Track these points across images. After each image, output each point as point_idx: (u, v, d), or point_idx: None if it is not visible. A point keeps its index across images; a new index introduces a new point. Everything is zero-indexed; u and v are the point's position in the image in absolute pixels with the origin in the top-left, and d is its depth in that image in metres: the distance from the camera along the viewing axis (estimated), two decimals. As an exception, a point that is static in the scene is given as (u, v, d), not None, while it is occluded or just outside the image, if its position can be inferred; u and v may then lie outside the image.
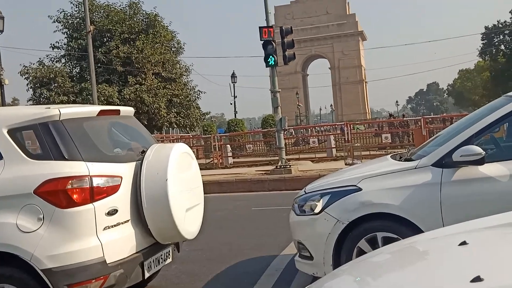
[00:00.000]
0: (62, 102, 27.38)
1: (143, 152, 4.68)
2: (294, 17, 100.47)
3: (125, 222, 4.33)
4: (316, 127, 42.18)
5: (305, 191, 5.10)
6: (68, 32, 31.06)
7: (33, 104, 28.28)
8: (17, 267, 3.94)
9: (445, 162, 4.41)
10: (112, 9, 31.16)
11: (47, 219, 3.93)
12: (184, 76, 32.98)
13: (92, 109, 4.69)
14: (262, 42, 15.58)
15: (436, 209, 4.33)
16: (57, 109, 4.24)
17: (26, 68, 29.30)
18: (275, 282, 5.59)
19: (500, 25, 58.54)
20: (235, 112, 46.81)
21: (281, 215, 8.85)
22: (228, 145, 23.79)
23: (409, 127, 25.55)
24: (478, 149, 4.28)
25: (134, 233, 4.40)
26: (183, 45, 33.40)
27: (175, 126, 33.02)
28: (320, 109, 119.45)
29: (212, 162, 22.23)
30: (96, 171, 4.11)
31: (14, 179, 4.00)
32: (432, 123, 35.27)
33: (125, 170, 4.42)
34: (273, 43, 15.53)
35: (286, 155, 17.39)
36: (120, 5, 31.70)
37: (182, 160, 4.74)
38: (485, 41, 61.38)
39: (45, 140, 4.10)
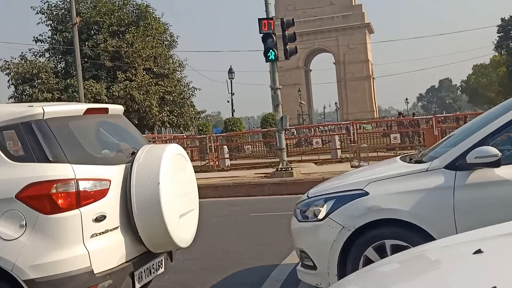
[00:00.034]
0: (46, 100, 27.36)
1: (134, 153, 4.68)
2: (296, 8, 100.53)
3: (114, 229, 4.32)
4: (320, 127, 42.21)
5: (307, 196, 5.10)
6: (52, 24, 31.04)
7: (14, 102, 28.28)
8: (-2, 277, 3.93)
9: (459, 164, 4.42)
10: (100, -1, 31.15)
11: (30, 226, 3.92)
12: (177, 72, 32.96)
13: (79, 107, 4.68)
14: (261, 35, 15.58)
15: (449, 215, 4.33)
16: (40, 108, 4.24)
17: (7, 63, 29.27)
18: (276, 293, 5.59)
19: (517, 17, 58.61)
20: (233, 111, 46.85)
21: (282, 222, 8.84)
22: (225, 146, 23.79)
23: (419, 127, 25.57)
24: (494, 150, 4.28)
25: (124, 241, 4.39)
26: (177, 38, 33.40)
27: (167, 125, 32.99)
28: (324, 107, 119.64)
29: (208, 164, 22.23)
30: (83, 174, 4.11)
31: (-6, 183, 3.99)
32: (444, 122, 35.33)
33: (114, 173, 4.42)
34: (274, 36, 15.54)
35: (287, 157, 17.39)
36: (108, -5, 31.67)
37: (175, 162, 4.74)
38: (502, 34, 61.44)
39: (27, 141, 4.10)
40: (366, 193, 4.62)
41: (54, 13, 30.85)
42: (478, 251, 2.11)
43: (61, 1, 30.78)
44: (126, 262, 4.38)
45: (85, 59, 28.75)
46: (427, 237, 4.23)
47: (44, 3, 30.68)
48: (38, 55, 31.24)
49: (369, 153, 18.28)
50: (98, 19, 30.06)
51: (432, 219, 4.40)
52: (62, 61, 31.79)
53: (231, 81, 47.04)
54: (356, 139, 21.41)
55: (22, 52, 31.19)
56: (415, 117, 31.10)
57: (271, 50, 15.53)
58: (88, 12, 30.35)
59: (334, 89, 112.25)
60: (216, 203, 13.45)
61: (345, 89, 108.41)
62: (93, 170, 4.23)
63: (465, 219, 4.29)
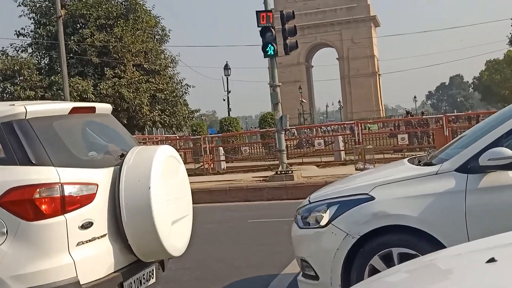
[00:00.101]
0: (28, 98, 27.32)
1: (123, 155, 4.68)
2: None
3: (101, 236, 4.32)
4: (322, 127, 42.26)
5: (309, 201, 5.10)
6: (35, 17, 30.98)
7: (-5, 101, 28.24)
8: (-23, 289, 3.93)
9: (471, 167, 4.42)
10: (86, -10, 31.11)
11: (12, 233, 3.92)
12: (169, 68, 32.92)
13: (64, 106, 4.68)
14: (259, 28, 15.59)
15: (461, 221, 4.34)
16: (22, 106, 4.24)
17: (-14, 59, 29.22)
18: (275, 305, 5.59)
19: (533, 9, 58.61)
20: (229, 110, 46.84)
21: (281, 228, 8.84)
22: (221, 148, 23.79)
23: (429, 127, 25.62)
24: (508, 152, 4.29)
25: (112, 249, 4.39)
26: (169, 32, 33.36)
27: (159, 125, 32.94)
28: (327, 106, 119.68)
29: (202, 167, 22.22)
30: (68, 178, 4.10)
31: (-27, 187, 3.99)
32: (455, 122, 35.36)
33: (102, 177, 4.41)
34: (273, 29, 15.54)
35: (287, 159, 17.39)
36: (95, -14, 31.63)
37: (167, 165, 4.74)
38: (516, 27, 61.47)
39: (8, 142, 4.09)
40: (372, 198, 4.62)
41: (37, 5, 30.79)
42: (492, 260, 2.11)
43: (45, -8, 30.74)
44: (114, 272, 4.37)
45: (71, 55, 28.70)
46: (437, 245, 4.23)
47: (26, -5, 30.63)
48: (20, 50, 31.17)
49: (375, 155, 18.29)
50: (85, 12, 30.02)
51: (442, 226, 4.41)
52: (46, 56, 31.72)
53: (227, 78, 47.07)
54: (361, 140, 21.42)
55: (2, 47, 31.13)
56: (424, 117, 31.14)
57: (270, 45, 15.54)
58: (74, 4, 30.31)
59: (337, 87, 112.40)
60: (211, 208, 13.45)
61: (349, 87, 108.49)
62: (79, 174, 4.23)
63: (478, 225, 4.29)
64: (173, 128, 33.34)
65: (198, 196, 13.08)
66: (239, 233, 10.06)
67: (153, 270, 4.95)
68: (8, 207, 3.93)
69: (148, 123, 31.20)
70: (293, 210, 5.48)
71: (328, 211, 4.77)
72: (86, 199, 4.21)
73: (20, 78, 29.13)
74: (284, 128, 16.30)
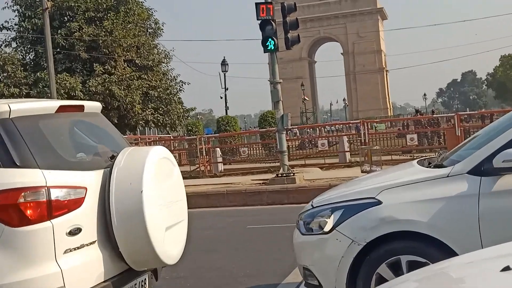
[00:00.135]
0: (13, 96, 27.32)
1: (113, 157, 4.68)
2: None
3: (90, 243, 4.32)
4: (326, 126, 42.28)
5: (312, 205, 5.10)
6: (19, 9, 30.99)
7: (-23, 99, 28.18)
8: (-42, 299, 3.92)
9: (484, 169, 4.43)
10: (74, -19, 31.11)
11: (-6, 240, 3.92)
12: (163, 64, 32.95)
13: (50, 105, 4.68)
14: (259, 21, 15.59)
15: (473, 227, 4.34)
16: (6, 105, 4.23)
17: (-32, 54, 29.22)
18: (276, 317, 5.60)
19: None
20: (226, 108, 46.85)
21: (283, 235, 8.84)
22: (218, 149, 23.79)
23: (439, 126, 25.63)
24: (524, 153, 4.29)
25: (102, 257, 4.39)
26: (162, 26, 33.40)
27: (152, 125, 32.96)
28: (331, 104, 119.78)
29: (198, 169, 22.23)
30: (55, 181, 4.10)
31: (-46, 191, 3.99)
32: (468, 121, 35.33)
33: (91, 180, 4.41)
34: (273, 23, 15.55)
35: (289, 161, 17.39)
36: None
37: (160, 167, 4.74)
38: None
39: (-9, 143, 4.09)
40: (379, 202, 4.63)
41: (22, -4, 30.81)
42: (507, 268, 2.11)
43: (30, -17, 30.75)
44: (104, 281, 4.37)
45: (58, 50, 28.70)
46: (448, 252, 4.24)
47: (10, -15, 30.65)
48: (3, 44, 31.22)
49: (382, 156, 18.29)
50: (72, 4, 30.02)
51: (453, 232, 4.41)
52: (31, 51, 31.73)
53: (224, 74, 47.09)
54: (367, 141, 21.43)
55: (-16, 42, 31.16)
56: (434, 115, 31.14)
57: (270, 39, 15.54)
58: (61, -4, 30.30)
59: (342, 84, 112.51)
60: (208, 213, 13.45)
61: (355, 83, 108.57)
62: (67, 177, 4.23)
63: (492, 231, 4.30)
64: (167, 128, 33.35)
65: (193, 200, 13.06)
66: (237, 240, 10.06)
67: (145, 279, 4.94)
68: (-9, 212, 3.93)
69: (140, 122, 31.20)
70: (294, 215, 5.48)
71: (332, 216, 4.77)
72: (74, 204, 4.21)
73: (4, 74, 29.13)
74: (285, 127, 16.29)
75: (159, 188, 4.65)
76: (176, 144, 30.37)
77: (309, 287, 4.98)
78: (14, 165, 4.04)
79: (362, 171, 16.28)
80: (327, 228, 4.76)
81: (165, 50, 33.30)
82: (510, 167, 4.30)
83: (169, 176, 4.98)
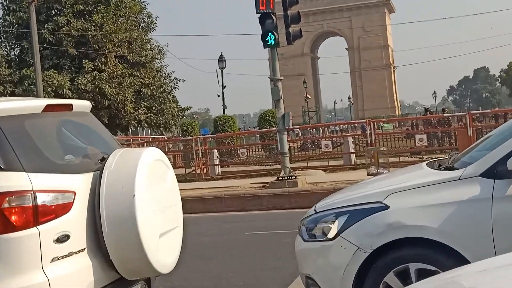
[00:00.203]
0: (-4, 94, 27.34)
1: (103, 159, 4.68)
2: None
3: (79, 251, 4.32)
4: (330, 126, 42.30)
5: (315, 210, 5.10)
6: (4, 2, 31.03)
7: (-42, 97, 28.18)
8: None
9: (498, 171, 4.43)
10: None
11: (-23, 248, 3.92)
12: (156, 60, 32.97)
13: (36, 104, 4.68)
14: (258, 15, 15.60)
15: (486, 233, 4.34)
16: (-10, 104, 4.24)
17: (-51, 50, 29.24)
18: (277, 329, 5.60)
19: None
20: (224, 107, 46.84)
21: (284, 241, 8.84)
22: (215, 150, 23.79)
23: (450, 126, 25.64)
24: (540, 154, 4.30)
25: (92, 265, 4.38)
26: (155, 20, 33.42)
27: (145, 125, 32.99)
28: (335, 103, 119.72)
29: (194, 172, 22.22)
30: (42, 185, 4.10)
31: None
32: (480, 121, 35.34)
33: (80, 184, 4.41)
34: (273, 16, 15.56)
35: (290, 163, 17.38)
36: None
37: (154, 170, 4.74)
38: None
39: (-26, 145, 4.09)
40: (386, 207, 4.63)
41: (7, -11, 30.83)
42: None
43: (14, -25, 30.77)
44: (94, 291, 4.37)
45: (44, 45, 28.71)
46: (460, 260, 4.24)
47: (-7, -23, 30.69)
48: (-14, 40, 31.23)
49: (390, 158, 18.30)
50: (60, -3, 30.05)
51: (465, 238, 4.41)
52: (16, 47, 31.75)
53: (222, 71, 47.07)
54: (373, 141, 21.44)
55: (-33, 37, 31.17)
56: (445, 115, 31.15)
57: (270, 34, 15.54)
58: (48, -12, 30.33)
59: (347, 81, 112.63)
60: (204, 219, 13.45)
61: (360, 81, 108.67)
62: (54, 180, 4.23)
63: (506, 237, 4.30)
64: (161, 128, 33.37)
65: (189, 205, 13.06)
66: (235, 247, 10.06)
67: (138, 289, 4.94)
68: (-27, 218, 3.93)
69: (133, 122, 31.22)
70: (296, 220, 5.48)
71: (336, 222, 4.77)
72: (62, 209, 4.20)
73: (-13, 71, 29.13)
74: (286, 127, 16.30)
75: (153, 192, 4.64)
76: (171, 146, 30.40)
77: (312, 297, 4.97)
78: (-2, 168, 4.04)
79: (368, 174, 16.29)
80: (331, 234, 4.76)
81: (158, 46, 33.34)
82: (526, 169, 4.31)
83: (163, 180, 4.98)
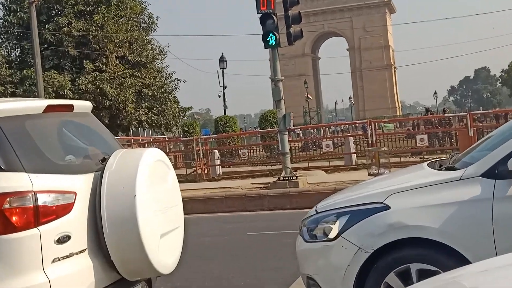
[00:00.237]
0: (-3, 95, 27.35)
1: (104, 160, 4.67)
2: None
3: (80, 252, 4.32)
4: (331, 127, 42.31)
5: (316, 211, 5.10)
6: (4, 3, 31.04)
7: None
8: None
9: (499, 172, 4.42)
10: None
11: (-22, 248, 3.92)
12: (157, 61, 32.98)
13: (37, 104, 4.68)
14: (259, 15, 15.60)
15: (487, 233, 4.34)
16: (-10, 104, 4.24)
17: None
18: (278, 329, 5.60)
19: None
20: (225, 107, 46.86)
21: (285, 242, 8.84)
22: (216, 151, 23.78)
23: (451, 126, 25.63)
24: (541, 155, 4.30)
25: (93, 266, 4.38)
26: (156, 20, 33.43)
27: (146, 125, 32.99)
28: (336, 103, 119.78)
29: (195, 172, 22.22)
30: (42, 186, 4.10)
31: None
32: (481, 121, 35.31)
33: (81, 184, 4.41)
34: (274, 16, 15.55)
35: (291, 164, 17.37)
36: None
37: (155, 171, 4.74)
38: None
39: (-26, 145, 4.09)
40: (387, 207, 4.63)
41: (7, -11, 30.84)
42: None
43: (15, -25, 30.78)
44: (95, 292, 4.37)
45: (45, 46, 28.72)
46: (461, 260, 4.24)
47: (-6, -23, 30.71)
48: (-13, 40, 31.24)
49: (391, 158, 18.29)
50: (61, -3, 30.05)
51: (466, 238, 4.41)
52: (17, 47, 31.77)
53: (222, 71, 47.08)
54: (374, 142, 21.43)
55: (-33, 37, 31.19)
56: (446, 115, 31.14)
57: (271, 34, 15.54)
58: (49, -11, 30.33)
59: (347, 81, 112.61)
60: (205, 219, 13.44)
61: (361, 81, 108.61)
62: (55, 181, 4.23)
63: (506, 237, 4.29)
64: (162, 129, 33.37)
65: (190, 205, 13.05)
66: (236, 247, 10.06)
67: (139, 289, 4.94)
68: (-26, 219, 3.93)
69: (134, 123, 31.23)
70: (297, 221, 5.48)
71: (337, 222, 4.77)
72: (62, 210, 4.20)
73: (-12, 72, 29.14)
74: (287, 128, 16.30)
75: (154, 193, 4.64)
76: (172, 146, 30.38)
77: (313, 298, 4.97)
78: (-1, 169, 4.04)
79: (369, 174, 16.28)
80: (332, 234, 4.76)
81: (159, 46, 33.35)
82: (527, 169, 4.31)
83: (164, 180, 4.98)
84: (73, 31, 29.08)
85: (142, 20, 32.81)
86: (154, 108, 31.50)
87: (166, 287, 7.00)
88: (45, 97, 23.39)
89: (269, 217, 13.40)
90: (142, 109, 30.83)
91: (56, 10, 30.88)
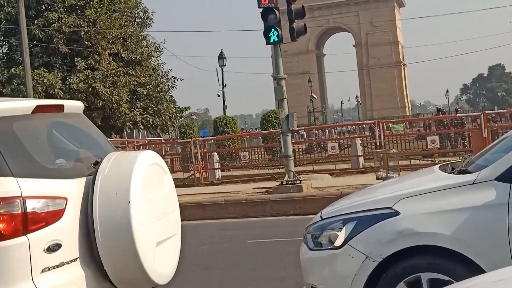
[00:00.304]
0: (-16, 95, 27.37)
1: (97, 163, 4.68)
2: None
3: (71, 261, 4.32)
4: (337, 127, 42.38)
5: (321, 217, 5.10)
6: (-9, -3, 31.04)
7: None
8: None
9: (515, 175, 4.42)
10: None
11: (-36, 257, 3.92)
12: (153, 58, 32.98)
13: (26, 104, 4.68)
14: (260, 10, 15.61)
15: (503, 240, 4.34)
16: (-24, 105, 4.24)
17: None
18: None
19: None
20: (224, 107, 46.86)
21: (288, 250, 8.84)
22: (215, 153, 23.80)
23: (464, 127, 25.61)
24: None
25: (85, 276, 4.38)
26: (152, 15, 33.44)
27: (141, 127, 32.97)
28: (342, 103, 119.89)
29: (193, 176, 22.23)
30: (31, 191, 4.10)
31: None
32: (496, 121, 35.30)
33: (72, 189, 4.41)
34: (276, 11, 15.56)
35: (295, 167, 17.38)
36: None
37: (150, 175, 4.74)
38: None
39: (-40, 148, 4.10)
40: (396, 213, 4.62)
41: (-6, -17, 30.87)
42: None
43: (2, -32, 30.80)
44: (87, 303, 4.37)
45: (34, 42, 28.73)
46: (475, 269, 4.24)
47: (-21, -30, 30.70)
48: (-27, 37, 31.26)
49: (400, 161, 18.30)
50: (51, -9, 30.08)
51: (480, 246, 4.41)
52: (4, 44, 31.78)
53: (222, 69, 47.08)
54: (383, 143, 21.44)
55: (-48, 34, 31.21)
56: (458, 115, 31.15)
57: (273, 29, 15.55)
58: (38, -18, 30.36)
59: (354, 79, 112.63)
60: (204, 226, 13.44)
61: (369, 79, 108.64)
62: (45, 186, 4.23)
63: (524, 245, 4.29)
64: (158, 130, 33.34)
65: (188, 211, 13.06)
66: (236, 256, 10.06)
67: (133, 301, 4.94)
68: (-41, 226, 3.93)
69: (128, 124, 31.20)
70: (301, 228, 5.48)
71: (344, 229, 4.77)
72: (52, 216, 4.20)
73: (-26, 70, 29.17)
74: (290, 129, 16.30)
75: (149, 198, 4.65)
76: (168, 148, 30.40)
77: (317, 309, 4.97)
78: (-15, 173, 4.05)
79: (378, 178, 16.28)
80: (338, 242, 4.75)
81: (155, 43, 33.34)
82: (544, 172, 4.31)
83: (160, 185, 4.98)
84: (63, 26, 29.07)
85: (136, 15, 32.81)
86: (150, 108, 31.49)
87: (162, 298, 7.00)
88: (34, 97, 23.40)
89: (272, 223, 13.39)
90: (137, 109, 30.81)
91: (46, 5, 30.88)
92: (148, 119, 31.35)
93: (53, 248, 4.17)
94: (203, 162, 22.92)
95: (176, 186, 5.33)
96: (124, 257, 4.42)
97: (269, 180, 19.50)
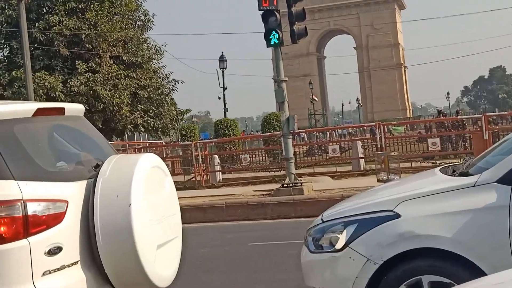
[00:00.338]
0: (-16, 98, 27.38)
1: (97, 166, 4.68)
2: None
3: (72, 264, 4.31)
4: (338, 130, 42.40)
5: (322, 219, 5.10)
6: (-8, 0, 31.06)
7: None
8: None
9: (516, 177, 4.42)
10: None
11: (-36, 261, 3.92)
12: (154, 61, 32.98)
13: (27, 107, 4.68)
14: (261, 12, 15.61)
15: (504, 242, 4.33)
16: (-23, 108, 4.24)
17: None
18: None
19: None
20: (225, 110, 46.87)
21: (289, 253, 8.83)
22: (216, 156, 23.80)
23: (465, 129, 25.61)
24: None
25: (86, 279, 4.38)
26: (153, 17, 33.47)
27: (142, 129, 32.98)
28: (343, 105, 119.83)
29: (194, 179, 22.21)
30: (32, 194, 4.10)
31: None
32: (497, 123, 35.30)
33: (73, 192, 4.41)
34: (277, 13, 15.57)
35: (296, 169, 17.37)
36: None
37: (151, 177, 4.74)
38: None
39: (-40, 151, 4.10)
40: (397, 215, 4.62)
41: (-5, -14, 30.90)
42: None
43: (3, -28, 30.84)
44: (88, 306, 4.36)
45: (35, 45, 28.75)
46: (476, 272, 4.23)
47: (-19, -26, 30.74)
48: (-26, 40, 31.28)
49: (401, 163, 18.29)
50: (52, -6, 30.10)
51: (481, 248, 4.40)
52: (6, 47, 31.79)
53: (222, 71, 47.12)
54: (383, 146, 21.43)
55: (-47, 37, 31.23)
56: (459, 117, 31.16)
57: (273, 32, 15.55)
58: (39, -15, 30.38)
59: (355, 81, 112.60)
60: (205, 229, 13.43)
61: (369, 81, 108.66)
62: (46, 189, 4.23)
63: (525, 247, 4.29)
64: (159, 133, 33.35)
65: (188, 214, 13.05)
66: (237, 259, 10.05)
67: (134, 304, 4.94)
68: (-40, 229, 3.93)
69: (129, 126, 31.20)
70: (302, 230, 5.48)
71: (345, 231, 4.77)
72: (53, 219, 4.20)
73: (-26, 73, 29.18)
74: (291, 131, 16.29)
75: (150, 201, 4.65)
76: (169, 151, 30.39)
77: (319, 312, 4.97)
78: (-14, 176, 4.05)
79: (378, 180, 16.27)
80: (339, 245, 4.75)
81: (155, 45, 33.36)
82: (546, 175, 4.31)
83: (161, 188, 4.98)
84: (64, 29, 29.10)
85: (137, 17, 32.83)
86: (150, 111, 31.49)
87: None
88: (35, 100, 23.41)
89: (273, 226, 13.39)
90: (138, 112, 30.81)
91: (47, 8, 30.90)
92: (149, 121, 31.35)
93: (54, 251, 4.17)
94: (204, 164, 22.91)
95: (177, 189, 5.32)
96: (125, 260, 4.42)
97: (270, 183, 19.51)
